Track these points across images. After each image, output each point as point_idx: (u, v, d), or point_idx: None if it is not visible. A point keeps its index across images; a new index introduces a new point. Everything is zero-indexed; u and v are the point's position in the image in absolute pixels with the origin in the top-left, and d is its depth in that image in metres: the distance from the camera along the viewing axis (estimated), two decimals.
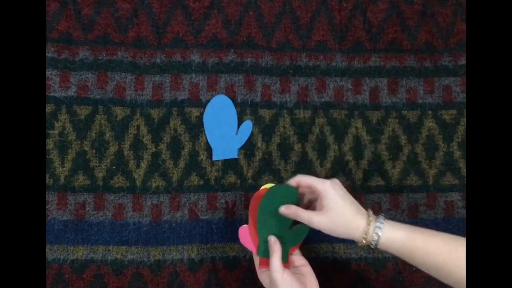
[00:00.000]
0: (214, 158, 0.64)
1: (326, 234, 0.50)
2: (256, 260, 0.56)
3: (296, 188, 0.54)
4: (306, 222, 0.51)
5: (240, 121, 0.66)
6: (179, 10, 0.68)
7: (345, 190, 0.52)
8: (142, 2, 0.67)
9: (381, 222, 0.49)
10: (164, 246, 0.62)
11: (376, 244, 0.49)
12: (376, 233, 0.48)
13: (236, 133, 0.65)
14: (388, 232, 0.48)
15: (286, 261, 0.53)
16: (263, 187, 0.57)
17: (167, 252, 0.62)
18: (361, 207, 0.51)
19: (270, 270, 0.50)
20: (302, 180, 0.53)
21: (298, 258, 0.54)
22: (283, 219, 0.55)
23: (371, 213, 0.50)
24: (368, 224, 0.49)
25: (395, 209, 0.65)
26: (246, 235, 0.56)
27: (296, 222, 0.55)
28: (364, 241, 0.49)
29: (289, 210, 0.52)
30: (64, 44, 0.66)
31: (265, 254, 0.53)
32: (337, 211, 0.50)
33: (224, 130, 0.65)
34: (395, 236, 0.48)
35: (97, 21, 0.67)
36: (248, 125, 0.65)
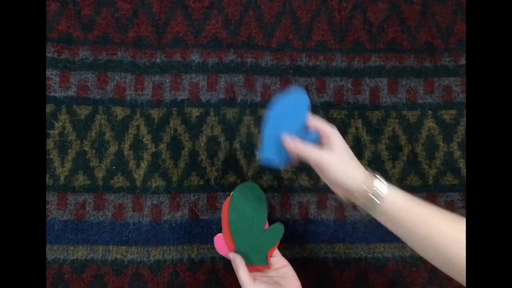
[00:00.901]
0: (261, 156, 0.50)
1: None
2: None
3: (255, 182, 0.55)
4: (314, 158, 0.46)
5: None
6: (179, 10, 0.68)
7: None
8: (142, 2, 0.67)
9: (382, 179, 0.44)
10: (164, 246, 0.62)
11: (378, 197, 0.43)
12: (381, 182, 0.44)
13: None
14: (390, 188, 0.44)
15: (265, 264, 0.53)
16: (232, 193, 0.56)
17: (167, 252, 0.62)
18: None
19: (241, 285, 0.49)
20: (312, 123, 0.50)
21: (278, 260, 0.54)
22: (256, 222, 0.54)
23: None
24: (369, 175, 0.45)
25: None
26: (222, 244, 0.55)
27: (269, 224, 0.55)
28: (365, 191, 0.44)
29: (294, 143, 0.47)
30: (64, 44, 0.66)
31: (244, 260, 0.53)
32: (345, 149, 0.47)
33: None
34: (397, 194, 0.43)
35: (97, 21, 0.67)
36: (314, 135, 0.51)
